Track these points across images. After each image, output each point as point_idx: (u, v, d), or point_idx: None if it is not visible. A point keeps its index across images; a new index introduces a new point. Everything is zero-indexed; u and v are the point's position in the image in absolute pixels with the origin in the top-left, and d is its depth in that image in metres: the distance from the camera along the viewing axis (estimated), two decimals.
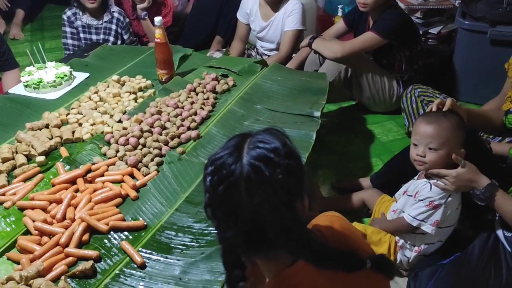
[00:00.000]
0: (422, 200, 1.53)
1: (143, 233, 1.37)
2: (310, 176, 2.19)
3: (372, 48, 2.42)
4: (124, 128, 1.79)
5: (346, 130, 2.56)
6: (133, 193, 1.49)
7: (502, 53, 2.44)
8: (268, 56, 2.88)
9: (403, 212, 1.60)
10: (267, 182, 0.81)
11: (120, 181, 1.55)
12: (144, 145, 1.72)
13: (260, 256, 0.90)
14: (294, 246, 0.86)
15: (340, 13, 3.19)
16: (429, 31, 3.02)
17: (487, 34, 2.47)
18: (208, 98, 2.02)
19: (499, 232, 1.53)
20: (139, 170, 1.61)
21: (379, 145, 2.42)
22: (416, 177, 1.65)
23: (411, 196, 1.59)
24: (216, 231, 0.89)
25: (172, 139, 1.75)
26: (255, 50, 3.07)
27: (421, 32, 2.92)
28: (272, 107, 1.98)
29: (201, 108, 1.95)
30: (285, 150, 0.84)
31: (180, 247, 1.33)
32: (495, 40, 2.47)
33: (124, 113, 1.93)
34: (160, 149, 1.70)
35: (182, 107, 1.94)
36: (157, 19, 2.02)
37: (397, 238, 1.65)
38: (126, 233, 1.36)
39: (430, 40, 3.04)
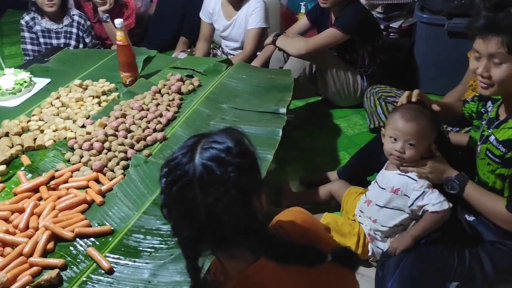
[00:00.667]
0: (422, 190, 1.51)
1: (110, 238, 1.35)
2: (279, 172, 2.21)
3: (335, 44, 2.45)
4: (88, 133, 1.76)
5: (313, 126, 2.59)
6: (98, 198, 1.47)
7: (459, 44, 2.52)
8: (234, 55, 2.88)
9: (413, 208, 1.55)
10: (219, 181, 0.82)
11: (85, 187, 1.52)
12: (109, 149, 1.69)
13: (222, 254, 0.91)
14: (253, 243, 0.87)
15: (303, 10, 3.22)
16: (390, 25, 3.09)
17: (444, 27, 2.54)
18: (173, 99, 2.01)
19: (461, 217, 1.58)
20: (104, 174, 1.59)
21: (346, 139, 2.46)
22: (384, 168, 1.68)
23: (384, 189, 1.60)
24: (172, 231, 0.89)
25: (137, 142, 1.73)
26: (220, 49, 3.06)
27: (382, 27, 2.99)
28: (238, 106, 1.99)
29: (167, 109, 1.93)
30: (238, 149, 0.85)
31: (149, 250, 1.32)
32: (452, 32, 2.54)
33: (88, 117, 1.90)
34: (126, 153, 1.68)
35: (147, 109, 1.92)
36: (118, 21, 2.00)
37: (366, 230, 1.68)
38: (92, 239, 1.34)
39: (391, 34, 3.11)
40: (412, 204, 1.53)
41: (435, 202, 1.48)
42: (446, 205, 1.47)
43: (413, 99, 1.60)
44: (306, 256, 0.90)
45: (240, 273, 0.90)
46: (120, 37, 2.02)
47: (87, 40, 2.92)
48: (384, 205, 1.60)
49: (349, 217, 1.78)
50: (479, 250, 1.51)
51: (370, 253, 1.68)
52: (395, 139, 1.53)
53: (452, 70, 2.52)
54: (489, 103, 1.54)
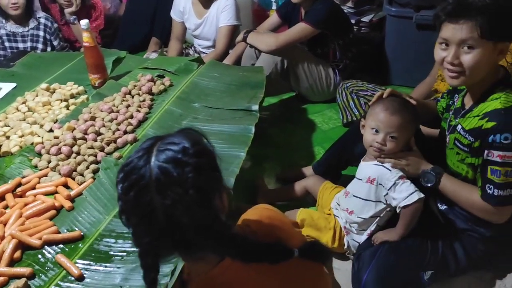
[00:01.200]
0: (394, 181, 1.51)
1: (80, 244, 1.32)
2: (255, 170, 2.20)
3: (306, 38, 2.45)
4: (56, 137, 1.71)
5: (287, 122, 2.59)
6: (67, 204, 1.43)
7: (427, 36, 2.52)
8: (206, 53, 2.85)
9: (383, 203, 1.57)
10: (177, 183, 0.80)
11: (53, 193, 1.48)
12: (78, 153, 1.66)
13: (185, 258, 0.89)
14: (215, 244, 0.86)
15: (274, 7, 3.22)
16: (362, 19, 3.11)
17: (412, 19, 2.57)
18: (144, 100, 1.98)
19: (433, 207, 1.60)
20: (73, 179, 1.55)
21: (321, 134, 2.47)
22: (362, 160, 1.68)
23: (361, 179, 1.61)
24: (133, 239, 0.87)
25: (108, 144, 1.70)
26: (192, 48, 3.04)
27: (353, 21, 3.02)
28: (210, 104, 1.97)
29: (137, 110, 1.90)
30: (195, 149, 0.83)
31: (120, 254, 1.29)
32: (420, 24, 2.57)
33: (56, 122, 1.85)
34: (96, 156, 1.64)
35: (117, 111, 1.89)
36: (84, 22, 1.96)
37: (341, 223, 1.68)
38: (62, 245, 1.30)
39: (363, 29, 3.13)
40: (386, 194, 1.53)
41: (405, 195, 1.48)
42: (416, 197, 1.47)
43: (385, 96, 1.61)
44: (272, 253, 0.89)
45: (204, 276, 0.88)
46: (86, 38, 1.98)
47: (55, 43, 2.86)
48: (360, 196, 1.60)
49: (324, 211, 1.78)
50: (451, 238, 1.53)
51: (346, 246, 1.68)
52: (376, 131, 1.53)
53: (421, 62, 2.55)
54: (456, 95, 1.56)
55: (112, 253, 1.29)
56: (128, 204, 0.83)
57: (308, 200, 1.97)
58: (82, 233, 1.34)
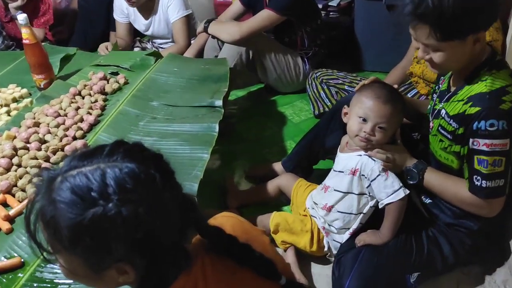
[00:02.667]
0: (378, 172, 1.38)
1: (20, 273, 1.14)
2: (225, 169, 2.04)
3: (271, 26, 2.30)
4: None
5: (257, 116, 2.44)
6: (5, 226, 1.24)
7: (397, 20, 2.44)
8: (164, 48, 2.67)
9: (370, 200, 1.45)
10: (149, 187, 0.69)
11: None
12: (19, 165, 1.46)
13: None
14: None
15: None
16: (329, 4, 2.97)
17: (382, 1, 2.45)
18: (96, 101, 1.79)
19: (416, 201, 1.48)
20: (14, 196, 1.37)
21: (292, 127, 2.33)
22: (339, 151, 1.54)
23: (342, 172, 1.47)
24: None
25: (54, 153, 1.51)
26: (150, 42, 2.84)
27: (321, 6, 2.88)
28: (170, 102, 1.80)
29: (88, 113, 1.71)
30: (139, 143, 0.74)
31: (67, 281, 1.11)
32: (391, 5, 2.45)
33: None
34: (40, 167, 1.45)
35: (65, 115, 1.69)
36: (21, 17, 1.75)
37: (319, 224, 1.55)
38: None
39: (331, 13, 3.00)
40: (369, 185, 1.40)
41: (389, 191, 1.36)
42: (401, 194, 1.35)
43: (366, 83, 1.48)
44: (260, 263, 0.82)
45: None
46: (26, 34, 1.77)
47: None
48: (341, 190, 1.46)
49: (300, 212, 1.64)
50: (436, 234, 1.42)
51: (326, 248, 1.55)
52: (364, 120, 1.39)
53: (394, 45, 2.45)
54: (442, 77, 1.43)
55: (57, 281, 1.12)
56: (142, 225, 0.68)
57: (282, 200, 1.84)
58: (22, 260, 1.16)
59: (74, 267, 0.71)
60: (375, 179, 1.39)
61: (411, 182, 1.37)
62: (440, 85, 1.42)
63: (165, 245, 0.71)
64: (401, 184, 1.37)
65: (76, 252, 0.68)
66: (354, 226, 1.48)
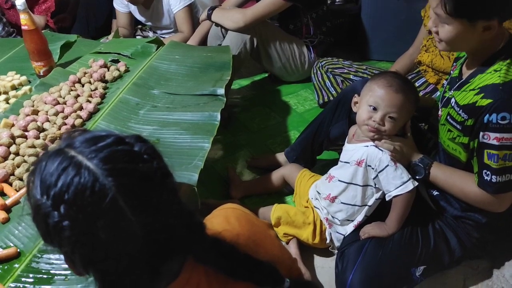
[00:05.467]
0: (387, 163, 1.34)
1: (16, 263, 1.11)
2: (227, 160, 2.01)
3: (276, 12, 2.24)
4: None
5: (261, 105, 2.39)
6: (1, 215, 1.22)
7: (407, 5, 2.40)
8: (165, 37, 2.63)
9: (377, 191, 1.40)
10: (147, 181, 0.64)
11: None
12: (16, 154, 1.43)
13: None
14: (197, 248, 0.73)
15: None
16: None
17: None
18: (96, 89, 1.76)
19: (424, 193, 1.44)
20: (11, 185, 1.34)
21: (296, 117, 2.28)
22: (346, 141, 1.50)
23: (348, 163, 1.43)
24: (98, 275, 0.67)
25: (52, 141, 1.48)
26: (151, 31, 2.79)
27: None
28: (171, 90, 1.76)
29: (88, 101, 1.68)
30: (131, 137, 0.68)
31: (64, 272, 1.09)
32: None
33: None
34: (37, 156, 1.42)
35: (64, 103, 1.66)
36: (20, 2, 1.71)
37: (322, 216, 1.51)
38: None
39: (337, 1, 2.94)
40: (376, 177, 1.36)
41: (398, 182, 1.32)
42: (410, 186, 1.32)
43: None
44: (260, 272, 0.75)
45: None
46: (24, 20, 1.73)
47: None
48: (345, 180, 1.42)
49: (302, 204, 1.61)
50: (443, 227, 1.38)
51: (328, 240, 1.51)
52: (374, 109, 1.34)
53: (402, 34, 2.39)
54: (454, 63, 1.39)
55: (54, 271, 1.10)
56: (97, 242, 0.62)
57: (285, 190, 1.80)
58: (18, 250, 1.14)
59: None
60: (383, 169, 1.34)
61: (417, 177, 1.33)
62: (451, 72, 1.37)
63: (109, 268, 0.64)
64: (409, 176, 1.33)
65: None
66: (359, 218, 1.44)
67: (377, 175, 1.35)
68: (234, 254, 0.76)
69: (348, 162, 1.43)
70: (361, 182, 1.40)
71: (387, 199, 1.36)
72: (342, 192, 1.44)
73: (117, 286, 0.67)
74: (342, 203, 1.44)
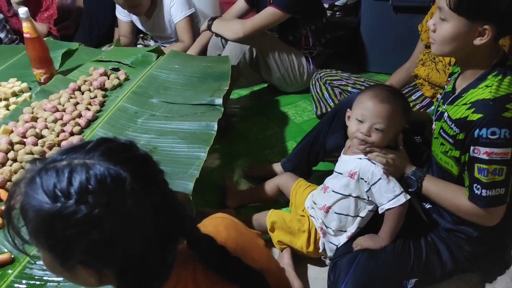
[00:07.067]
0: (379, 176, 1.36)
1: (9, 269, 1.12)
2: (225, 169, 2.02)
3: (275, 24, 2.27)
4: None
5: (259, 115, 2.41)
6: None
7: (405, 19, 2.42)
8: (166, 47, 2.66)
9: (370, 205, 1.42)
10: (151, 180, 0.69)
11: None
12: (14, 160, 1.45)
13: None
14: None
15: None
16: (335, 3, 2.94)
17: (389, 1, 2.41)
18: (95, 97, 1.78)
19: (417, 206, 1.45)
20: (7, 191, 1.35)
21: (294, 127, 2.30)
22: (342, 153, 1.52)
23: (341, 174, 1.45)
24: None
25: (50, 148, 1.50)
26: (153, 40, 2.83)
27: (327, 5, 2.85)
28: (169, 99, 1.78)
29: (87, 109, 1.70)
30: (129, 142, 0.70)
31: (56, 279, 1.10)
32: (397, 6, 2.42)
33: None
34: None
35: (63, 110, 1.68)
36: (22, 11, 1.74)
37: (317, 225, 1.52)
38: None
39: (337, 13, 2.97)
40: (369, 190, 1.37)
41: (391, 196, 1.33)
42: (402, 199, 1.33)
43: None
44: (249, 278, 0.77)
45: None
46: (27, 28, 1.76)
47: (2, 35, 2.62)
48: (339, 191, 1.44)
49: (298, 213, 1.62)
50: (435, 240, 1.39)
51: (321, 249, 1.52)
52: (361, 121, 1.36)
53: (400, 47, 2.42)
54: (449, 78, 1.40)
55: (47, 278, 1.11)
56: (106, 231, 0.65)
57: (281, 200, 1.81)
58: (12, 256, 1.15)
59: (48, 260, 0.70)
60: (375, 183, 1.36)
61: (410, 190, 1.34)
62: (445, 86, 1.39)
63: (133, 255, 0.68)
64: (402, 189, 1.34)
65: (41, 246, 0.68)
66: (352, 230, 1.45)
67: (369, 188, 1.37)
68: (225, 253, 0.78)
69: (342, 173, 1.44)
70: (354, 193, 1.41)
71: (380, 212, 1.37)
72: (336, 202, 1.45)
73: (134, 281, 0.69)
74: (335, 213, 1.45)
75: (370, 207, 1.42)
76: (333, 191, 1.46)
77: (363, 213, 1.43)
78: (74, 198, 0.62)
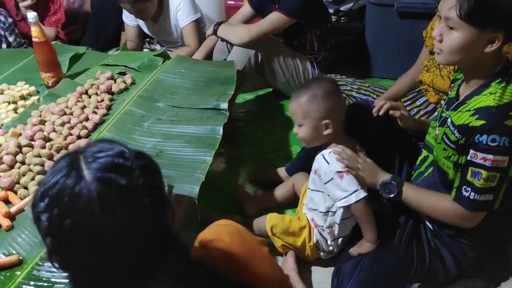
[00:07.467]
0: (331, 176, 1.39)
1: (17, 271, 1.14)
2: (230, 173, 2.03)
3: (280, 29, 2.28)
4: None
5: (264, 119, 2.42)
6: (5, 223, 1.25)
7: (410, 24, 2.43)
8: (172, 51, 2.68)
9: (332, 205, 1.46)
10: (127, 193, 0.65)
11: None
12: (22, 163, 1.47)
13: None
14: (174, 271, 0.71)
15: None
16: (340, 8, 2.95)
17: (394, 7, 2.42)
18: (102, 100, 1.80)
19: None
20: (16, 193, 1.37)
21: None
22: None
23: (315, 174, 1.49)
24: (72, 283, 0.70)
25: (58, 152, 1.52)
26: (159, 44, 2.85)
27: (332, 11, 2.86)
28: (175, 104, 1.80)
29: (94, 112, 1.72)
30: (132, 152, 0.69)
31: (64, 281, 1.11)
32: (402, 12, 2.42)
33: (1, 127, 1.66)
34: (43, 165, 1.46)
35: (71, 114, 1.70)
36: (31, 15, 1.76)
37: (309, 217, 1.54)
38: None
39: (342, 18, 2.98)
40: (325, 186, 1.42)
41: (343, 195, 1.37)
42: (353, 199, 1.36)
43: (381, 113, 1.52)
44: None
45: None
46: (35, 33, 1.79)
47: (11, 39, 2.64)
48: (311, 188, 1.51)
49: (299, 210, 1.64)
50: (439, 245, 1.39)
51: (315, 241, 1.52)
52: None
53: (404, 53, 2.42)
54: (452, 84, 1.41)
55: (54, 280, 1.12)
56: (64, 238, 0.66)
57: (296, 201, 1.81)
58: (20, 258, 1.16)
59: None
60: (328, 181, 1.40)
61: (389, 196, 1.35)
62: (449, 93, 1.40)
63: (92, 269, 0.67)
64: (357, 187, 1.37)
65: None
66: (334, 227, 1.47)
67: (324, 185, 1.41)
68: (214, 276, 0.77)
69: (315, 174, 1.50)
70: (320, 189, 1.46)
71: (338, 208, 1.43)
72: (310, 198, 1.52)
73: None
74: (311, 208, 1.52)
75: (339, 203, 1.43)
76: (308, 187, 1.54)
77: (334, 209, 1.45)
78: (39, 194, 0.68)
